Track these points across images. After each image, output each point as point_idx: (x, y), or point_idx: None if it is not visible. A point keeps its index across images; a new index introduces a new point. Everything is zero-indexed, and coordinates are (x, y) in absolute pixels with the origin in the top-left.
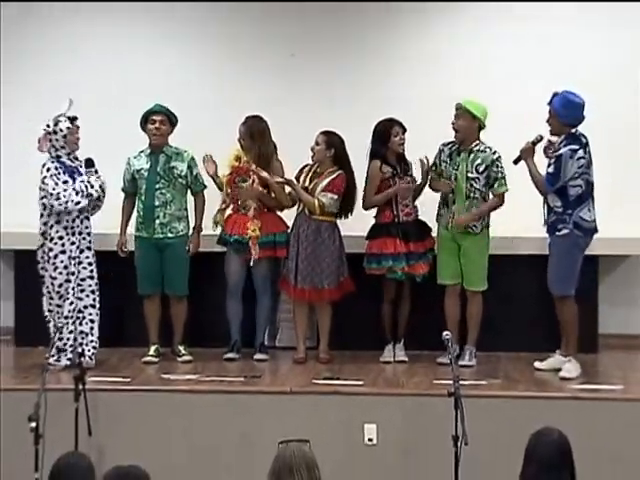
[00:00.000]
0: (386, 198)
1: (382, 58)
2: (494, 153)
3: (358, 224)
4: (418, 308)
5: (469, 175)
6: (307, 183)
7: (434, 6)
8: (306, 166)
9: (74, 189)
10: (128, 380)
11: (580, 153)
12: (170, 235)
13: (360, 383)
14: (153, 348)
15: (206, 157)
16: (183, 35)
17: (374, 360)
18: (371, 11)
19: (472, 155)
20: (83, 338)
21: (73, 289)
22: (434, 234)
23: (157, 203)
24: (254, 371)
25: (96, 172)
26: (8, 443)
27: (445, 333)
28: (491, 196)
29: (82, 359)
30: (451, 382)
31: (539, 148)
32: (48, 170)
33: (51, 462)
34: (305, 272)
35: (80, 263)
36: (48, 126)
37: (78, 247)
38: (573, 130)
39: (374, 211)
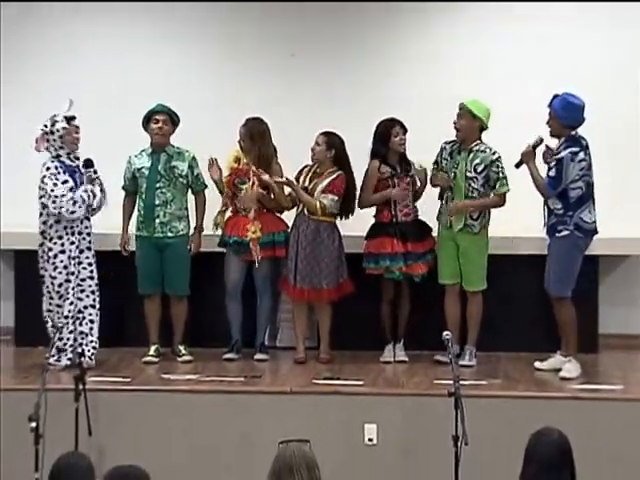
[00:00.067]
0: (382, 199)
1: (382, 58)
2: (494, 154)
3: (358, 224)
4: (418, 308)
5: (468, 174)
6: (307, 183)
7: (434, 6)
8: (305, 167)
9: (73, 198)
10: (128, 380)
11: (581, 155)
12: (170, 235)
13: (360, 383)
14: (153, 348)
15: (211, 161)
16: (183, 35)
17: (374, 360)
18: (371, 11)
19: (472, 155)
20: (83, 338)
21: (73, 289)
22: (435, 234)
23: (157, 202)
24: (254, 371)
25: (94, 172)
26: (8, 443)
27: (445, 333)
28: (492, 196)
29: (82, 359)
30: (451, 382)
31: (540, 151)
32: (48, 169)
33: (51, 462)
34: (304, 272)
35: (80, 263)
36: (45, 126)
37: (78, 247)
38: (573, 132)
39: (374, 211)
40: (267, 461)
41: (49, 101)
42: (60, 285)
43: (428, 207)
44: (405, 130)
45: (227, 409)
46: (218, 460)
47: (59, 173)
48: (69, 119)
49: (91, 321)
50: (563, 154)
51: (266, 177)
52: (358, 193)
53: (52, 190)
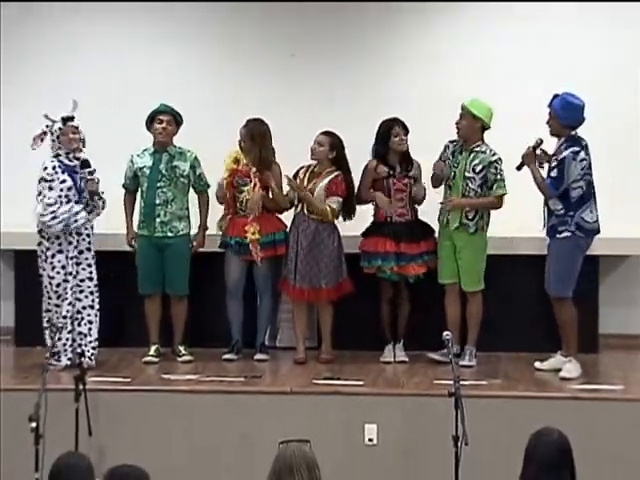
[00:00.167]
0: (369, 199)
1: (382, 58)
2: (493, 155)
3: (358, 224)
4: (418, 308)
5: (466, 174)
6: (305, 183)
7: (434, 6)
8: (301, 168)
9: (54, 212)
10: (128, 380)
11: (582, 155)
12: (170, 234)
13: (360, 383)
14: (153, 348)
15: (220, 185)
16: (183, 35)
17: (374, 360)
18: (371, 11)
19: (472, 155)
20: (82, 339)
21: (72, 289)
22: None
23: (158, 201)
24: (254, 371)
25: (90, 174)
26: (8, 443)
27: (445, 333)
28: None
29: (82, 359)
30: (451, 382)
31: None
32: (45, 169)
33: (51, 462)
34: (304, 272)
35: (79, 264)
36: (47, 126)
37: (76, 247)
38: (573, 132)
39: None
40: (267, 461)
41: (49, 101)
42: (58, 285)
43: (430, 208)
44: (406, 130)
45: (227, 409)
46: (218, 460)
47: (56, 173)
48: (66, 120)
49: (90, 322)
50: (565, 154)
51: (272, 185)
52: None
53: (40, 193)
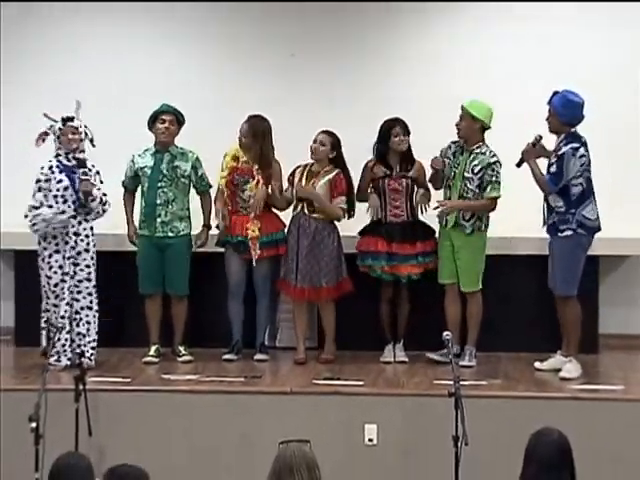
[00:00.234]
0: (363, 198)
1: (382, 58)
2: (492, 157)
3: (359, 224)
4: (418, 308)
5: (465, 174)
6: (304, 183)
7: (434, 6)
8: (297, 167)
9: (41, 214)
10: (128, 380)
11: (581, 151)
12: (171, 234)
13: (360, 383)
14: (153, 348)
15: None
16: (183, 35)
17: (374, 360)
18: (371, 11)
19: (472, 156)
20: (80, 339)
21: (69, 290)
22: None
23: (159, 201)
24: (254, 371)
25: (84, 174)
26: (8, 443)
27: (445, 333)
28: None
29: (82, 359)
30: (451, 382)
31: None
32: (42, 169)
33: (51, 462)
34: (304, 271)
35: (77, 265)
36: (51, 126)
37: (74, 248)
38: (572, 130)
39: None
40: (267, 461)
41: (49, 101)
42: (56, 285)
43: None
44: (407, 131)
45: (227, 409)
46: (218, 460)
47: (53, 173)
48: (66, 120)
49: (88, 322)
50: (564, 150)
51: (274, 181)
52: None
53: (33, 193)
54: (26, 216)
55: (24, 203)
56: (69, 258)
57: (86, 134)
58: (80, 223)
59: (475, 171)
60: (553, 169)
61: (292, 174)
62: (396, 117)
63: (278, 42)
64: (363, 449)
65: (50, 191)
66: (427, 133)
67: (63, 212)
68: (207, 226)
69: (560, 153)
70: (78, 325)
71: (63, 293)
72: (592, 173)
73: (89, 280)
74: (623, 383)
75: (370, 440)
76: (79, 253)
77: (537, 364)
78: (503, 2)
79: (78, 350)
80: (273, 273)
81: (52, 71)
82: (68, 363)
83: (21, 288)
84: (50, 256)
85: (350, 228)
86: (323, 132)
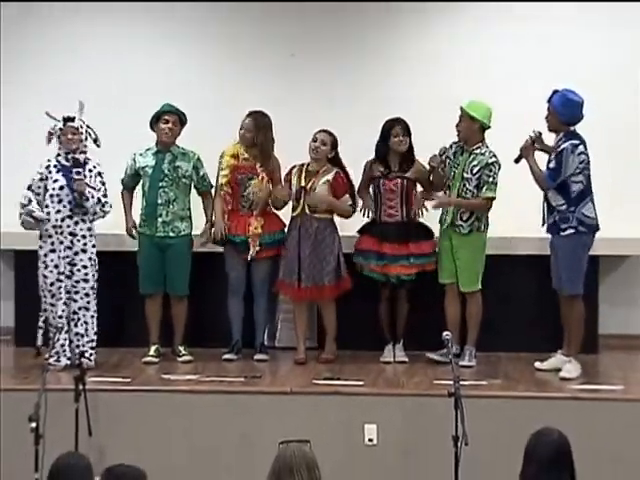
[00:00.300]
0: (362, 197)
1: (382, 58)
2: (491, 158)
3: (358, 224)
4: (418, 308)
5: (464, 175)
6: (303, 183)
7: (434, 6)
8: (294, 167)
9: (21, 210)
10: (128, 380)
11: (581, 148)
12: (172, 234)
13: (360, 383)
14: (153, 348)
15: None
16: (183, 35)
17: (374, 360)
18: (371, 11)
19: (472, 156)
20: (79, 340)
21: (67, 290)
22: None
23: (160, 201)
24: (254, 371)
25: (77, 173)
26: (8, 443)
27: (445, 333)
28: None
29: (82, 359)
30: (451, 382)
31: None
32: (40, 167)
33: (51, 462)
34: (308, 271)
35: (74, 265)
36: (55, 126)
37: (70, 248)
38: (572, 129)
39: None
40: (267, 461)
41: (49, 101)
42: (52, 284)
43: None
44: (406, 131)
45: (227, 409)
46: (218, 460)
47: (50, 172)
48: (66, 120)
49: (85, 322)
50: (563, 146)
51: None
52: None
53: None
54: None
55: None
56: (65, 258)
57: (89, 134)
58: (77, 223)
59: (474, 171)
60: (552, 165)
61: (289, 174)
62: (397, 117)
63: (278, 42)
64: (363, 449)
65: (47, 190)
66: (427, 133)
67: (48, 213)
68: (211, 223)
69: (559, 149)
70: (76, 325)
71: (60, 293)
72: (592, 173)
73: (86, 281)
74: (623, 383)
75: (370, 440)
76: (76, 253)
77: (537, 364)
78: (503, 2)
79: (77, 350)
80: (272, 273)
81: (52, 71)
82: (68, 363)
83: (21, 288)
84: (46, 255)
85: (348, 228)
86: (323, 131)
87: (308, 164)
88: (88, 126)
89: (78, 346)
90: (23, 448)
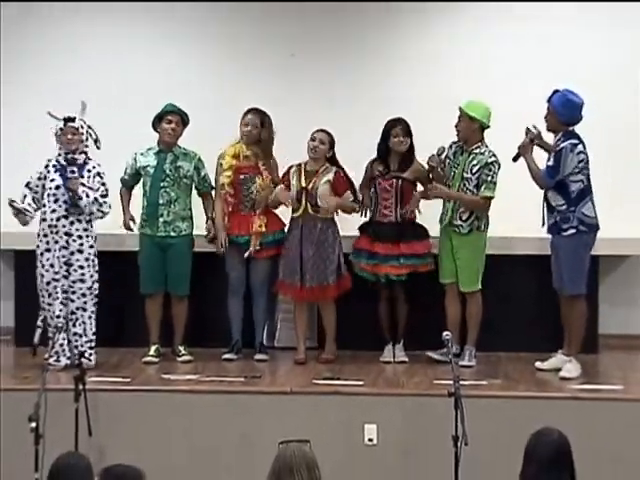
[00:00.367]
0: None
1: (382, 58)
2: (491, 157)
3: (356, 223)
4: (418, 308)
5: (464, 174)
6: (304, 184)
7: (434, 6)
8: (291, 167)
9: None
10: (128, 380)
11: (580, 148)
12: (173, 234)
13: (360, 383)
14: (153, 348)
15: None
16: (183, 35)
17: (374, 360)
18: (371, 11)
19: (471, 156)
20: (77, 340)
21: (64, 290)
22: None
23: (161, 201)
24: (254, 371)
25: (72, 172)
26: (8, 443)
27: (445, 333)
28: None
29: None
30: (451, 382)
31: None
32: (41, 165)
33: (51, 462)
34: (312, 271)
35: (70, 265)
36: (57, 125)
37: (66, 248)
38: (570, 129)
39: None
40: (267, 461)
41: (49, 101)
42: (48, 283)
43: (430, 208)
44: (407, 132)
45: (227, 409)
46: (218, 460)
47: (49, 172)
48: (67, 120)
49: (84, 323)
50: (563, 145)
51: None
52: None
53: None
54: None
55: None
56: (61, 257)
57: (90, 135)
58: (72, 223)
59: (474, 171)
60: (550, 162)
61: (287, 174)
62: (399, 118)
63: (278, 42)
64: (363, 449)
65: (44, 189)
66: (427, 133)
67: (45, 212)
68: (212, 221)
69: (558, 148)
70: (74, 325)
71: (56, 292)
72: (592, 173)
73: (82, 281)
74: (623, 383)
75: (370, 440)
76: (72, 253)
77: (538, 364)
78: (503, 2)
79: (76, 350)
80: (271, 273)
81: (52, 71)
82: (67, 362)
83: (21, 288)
84: (42, 254)
85: (348, 227)
86: (321, 131)
87: (306, 164)
88: (89, 126)
89: (76, 346)
90: (23, 448)
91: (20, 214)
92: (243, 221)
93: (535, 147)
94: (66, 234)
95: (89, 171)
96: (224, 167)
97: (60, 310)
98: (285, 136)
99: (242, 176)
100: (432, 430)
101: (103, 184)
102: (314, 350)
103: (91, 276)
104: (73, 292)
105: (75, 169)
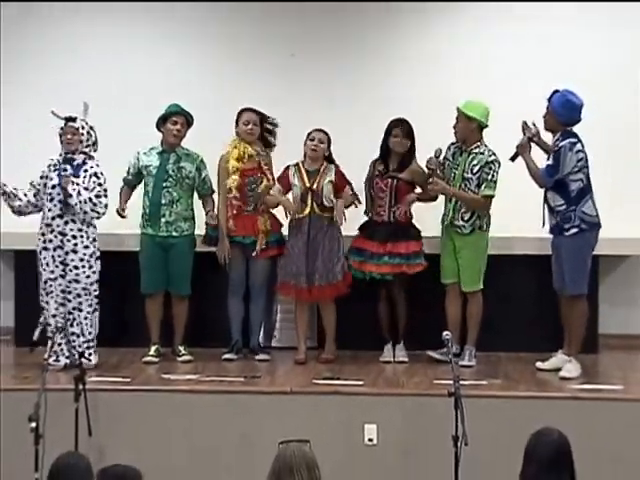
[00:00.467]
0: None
1: (382, 58)
2: (490, 156)
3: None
4: (418, 308)
5: (465, 175)
6: (308, 184)
7: (434, 6)
8: (288, 168)
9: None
10: (128, 380)
11: (578, 146)
12: (175, 234)
13: (360, 383)
14: (154, 348)
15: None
16: (183, 35)
17: (374, 360)
18: (371, 11)
19: (471, 156)
20: (74, 340)
21: (62, 289)
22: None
23: (164, 201)
24: (254, 371)
25: (64, 170)
26: (8, 443)
27: (445, 333)
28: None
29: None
30: (451, 382)
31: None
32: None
33: (51, 462)
34: (322, 269)
35: (66, 265)
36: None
37: (61, 247)
38: (568, 129)
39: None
40: (267, 461)
41: (49, 101)
42: (45, 282)
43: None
44: (406, 133)
45: (227, 409)
46: (218, 460)
47: (50, 171)
48: (68, 120)
49: (80, 323)
50: (562, 143)
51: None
52: None
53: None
54: None
55: None
56: (56, 257)
57: (90, 136)
58: (67, 223)
59: (474, 171)
60: (550, 161)
61: (285, 174)
62: (402, 118)
63: (278, 42)
64: (363, 449)
65: (45, 188)
66: (427, 133)
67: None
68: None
69: (557, 148)
70: (72, 325)
71: (52, 291)
72: (592, 173)
73: (77, 282)
74: (623, 383)
75: (370, 440)
76: (67, 253)
77: (539, 364)
78: (503, 2)
79: (74, 350)
80: (271, 273)
81: (52, 71)
82: (67, 362)
83: (21, 288)
84: (40, 252)
85: (347, 227)
86: (319, 130)
87: (303, 163)
88: (91, 127)
89: (74, 347)
90: (23, 448)
91: (7, 197)
92: (248, 222)
93: (534, 147)
94: (60, 233)
95: (86, 171)
96: (231, 171)
97: (56, 309)
98: (285, 136)
99: (247, 178)
100: (432, 430)
101: (100, 184)
102: (314, 350)
103: (87, 277)
104: (69, 292)
105: (68, 167)
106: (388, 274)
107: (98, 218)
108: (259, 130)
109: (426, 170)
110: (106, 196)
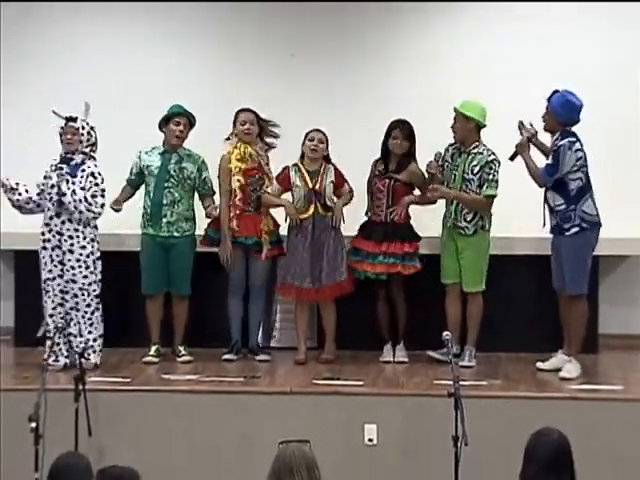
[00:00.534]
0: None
1: (382, 58)
2: (490, 155)
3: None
4: (418, 308)
5: (465, 176)
6: (311, 185)
7: (434, 6)
8: (286, 168)
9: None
10: (128, 380)
11: (577, 145)
12: (176, 234)
13: (360, 383)
14: (154, 348)
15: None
16: (183, 35)
17: (374, 360)
18: (371, 11)
19: (470, 157)
20: (71, 341)
21: (60, 287)
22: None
23: (165, 201)
24: (254, 371)
25: (60, 169)
26: (8, 443)
27: (445, 333)
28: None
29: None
30: (451, 382)
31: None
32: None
33: (51, 462)
34: (328, 269)
35: (63, 264)
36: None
37: (59, 247)
38: (567, 129)
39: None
40: (267, 461)
41: (49, 101)
42: (44, 281)
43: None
44: (406, 135)
45: (227, 409)
46: (218, 460)
47: (51, 171)
48: (68, 120)
49: (78, 323)
50: (561, 143)
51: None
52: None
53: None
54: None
55: None
56: (54, 256)
57: (90, 136)
58: (63, 223)
59: (474, 171)
60: (549, 160)
61: (286, 175)
62: (403, 120)
63: (278, 42)
64: (363, 449)
65: (46, 187)
66: (427, 133)
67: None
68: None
69: (556, 147)
70: (69, 325)
71: (50, 290)
72: (592, 173)
73: (74, 282)
74: (623, 383)
75: (370, 440)
76: (64, 253)
77: (539, 364)
78: (503, 2)
79: (74, 350)
80: (271, 274)
81: (52, 71)
82: (67, 362)
83: (21, 288)
84: (40, 251)
85: (347, 227)
86: (317, 130)
87: (302, 163)
88: (92, 128)
89: (72, 347)
90: (23, 448)
91: (7, 190)
92: (250, 222)
93: (532, 147)
94: (58, 233)
95: (83, 170)
96: (234, 172)
97: (53, 309)
98: (285, 136)
99: (249, 178)
100: (432, 430)
101: (96, 184)
102: (314, 350)
103: (84, 277)
104: (67, 292)
105: (64, 166)
106: (382, 274)
107: (95, 218)
108: (257, 129)
109: (426, 174)
110: (103, 196)
